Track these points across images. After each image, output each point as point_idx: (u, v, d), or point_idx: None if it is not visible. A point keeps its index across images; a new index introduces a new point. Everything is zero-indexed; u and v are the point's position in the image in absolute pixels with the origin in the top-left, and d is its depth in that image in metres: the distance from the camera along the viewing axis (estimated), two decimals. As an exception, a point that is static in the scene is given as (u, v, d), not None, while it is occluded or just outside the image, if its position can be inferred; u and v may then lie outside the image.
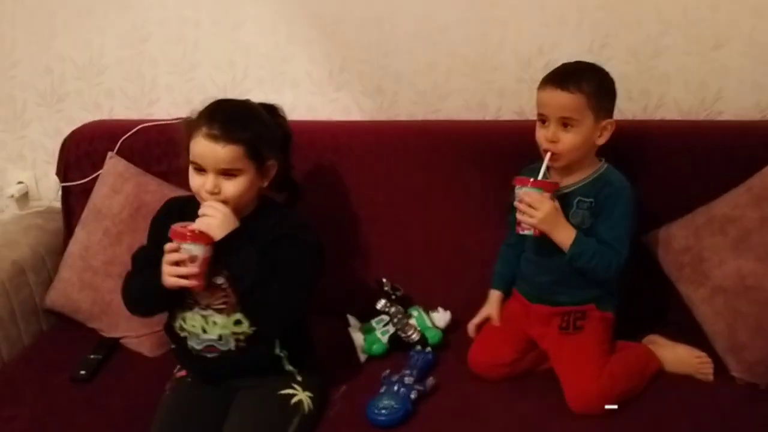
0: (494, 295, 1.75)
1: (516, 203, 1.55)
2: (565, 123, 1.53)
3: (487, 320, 1.73)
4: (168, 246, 1.40)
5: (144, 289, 1.49)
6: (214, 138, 1.40)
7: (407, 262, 1.86)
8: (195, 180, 1.45)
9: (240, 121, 1.43)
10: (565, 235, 1.54)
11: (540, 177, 1.55)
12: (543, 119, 1.57)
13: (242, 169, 1.43)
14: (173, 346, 1.59)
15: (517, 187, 1.56)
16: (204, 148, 1.41)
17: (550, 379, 1.58)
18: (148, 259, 1.49)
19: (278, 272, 1.43)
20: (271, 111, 1.57)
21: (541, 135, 1.57)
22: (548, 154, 1.55)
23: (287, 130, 1.60)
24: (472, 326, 1.73)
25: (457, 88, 1.97)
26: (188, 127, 1.45)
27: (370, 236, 1.88)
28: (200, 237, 1.38)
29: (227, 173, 1.42)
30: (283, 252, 1.46)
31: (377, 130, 1.93)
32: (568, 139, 1.54)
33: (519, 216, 1.54)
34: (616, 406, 1.50)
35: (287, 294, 1.43)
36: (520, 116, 1.95)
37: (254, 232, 1.45)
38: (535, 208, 1.51)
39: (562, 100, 1.52)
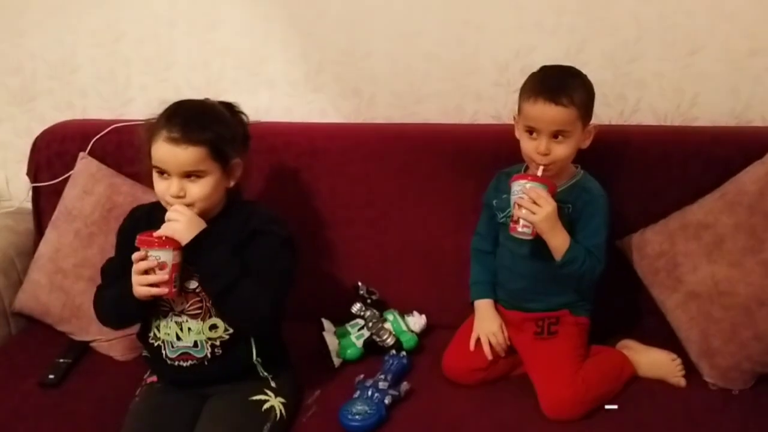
0: (487, 305, 1.69)
1: (517, 199, 1.50)
2: (557, 134, 1.51)
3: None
4: (135, 255, 1.38)
5: (117, 303, 1.47)
6: (174, 141, 1.38)
7: (383, 265, 1.85)
8: (159, 185, 1.43)
9: (199, 121, 1.41)
10: (561, 239, 1.51)
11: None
12: (531, 131, 1.53)
13: (206, 170, 1.41)
14: (145, 354, 1.56)
15: (519, 182, 1.51)
16: (165, 151, 1.39)
17: (525, 385, 1.58)
18: (117, 271, 1.47)
19: (254, 269, 1.42)
20: (229, 109, 1.55)
21: (531, 147, 1.53)
22: (541, 168, 1.52)
23: (246, 129, 1.58)
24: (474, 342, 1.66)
25: (434, 92, 1.96)
26: (148, 131, 1.43)
27: (346, 239, 1.87)
28: (167, 242, 1.37)
29: (191, 175, 1.40)
30: (258, 248, 1.45)
31: (353, 132, 1.92)
32: (561, 151, 1.52)
33: (518, 212, 1.49)
34: (616, 406, 1.52)
35: (264, 291, 1.42)
36: (497, 120, 1.95)
37: (225, 231, 1.44)
38: (539, 204, 1.47)
39: (556, 114, 1.49)
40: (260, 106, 1.99)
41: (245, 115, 1.58)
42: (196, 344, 1.47)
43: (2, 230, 2.01)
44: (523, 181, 1.51)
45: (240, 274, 1.40)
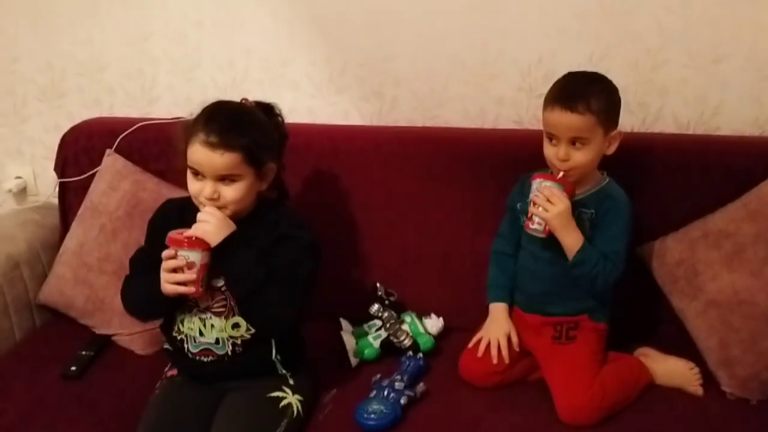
0: (501, 309, 1.70)
1: (533, 197, 1.53)
2: (574, 141, 1.52)
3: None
4: (165, 253, 1.40)
5: (144, 295, 1.49)
6: (211, 146, 1.39)
7: (401, 267, 1.86)
8: (193, 185, 1.44)
9: (237, 127, 1.42)
10: (574, 238, 1.53)
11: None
12: (551, 137, 1.55)
13: (241, 174, 1.42)
14: (166, 347, 1.58)
15: (537, 180, 1.54)
16: (202, 155, 1.40)
17: (542, 389, 1.58)
18: (146, 262, 1.49)
19: (278, 273, 1.43)
20: (267, 111, 1.56)
21: (551, 153, 1.55)
22: (561, 174, 1.53)
23: (284, 130, 1.59)
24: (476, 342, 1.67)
25: (457, 95, 1.97)
26: (185, 131, 1.44)
27: (365, 240, 1.88)
28: (197, 243, 1.38)
29: (226, 179, 1.42)
30: (283, 253, 1.46)
31: (375, 134, 1.93)
32: (580, 157, 1.52)
33: (533, 209, 1.52)
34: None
35: (287, 295, 1.44)
36: (519, 125, 1.95)
37: (254, 233, 1.45)
38: (552, 203, 1.49)
39: (571, 121, 1.49)
40: (284, 107, 1.97)
41: (282, 117, 1.60)
42: (218, 341, 1.49)
43: (29, 224, 2.04)
44: (540, 180, 1.54)
45: (265, 278, 1.42)
